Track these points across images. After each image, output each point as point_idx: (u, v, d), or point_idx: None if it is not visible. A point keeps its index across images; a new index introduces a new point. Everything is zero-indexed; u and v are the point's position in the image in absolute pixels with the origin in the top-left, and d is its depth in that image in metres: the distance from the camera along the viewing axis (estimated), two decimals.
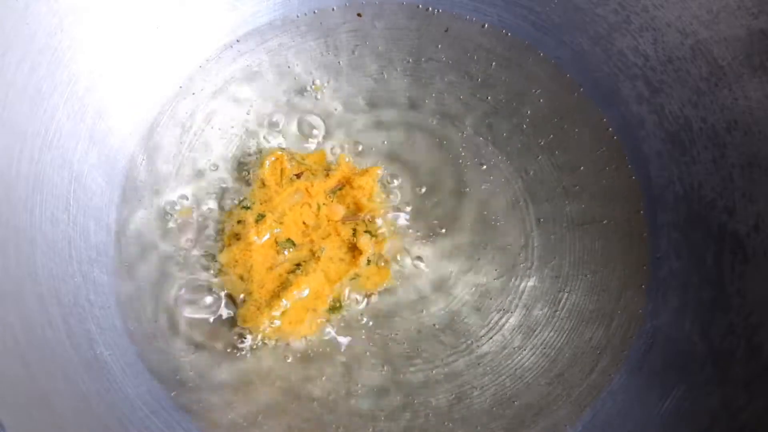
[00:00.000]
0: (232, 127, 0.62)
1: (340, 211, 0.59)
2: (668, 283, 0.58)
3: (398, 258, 0.59)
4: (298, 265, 0.57)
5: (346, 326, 0.57)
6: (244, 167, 0.61)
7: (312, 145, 0.62)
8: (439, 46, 0.65)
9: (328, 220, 0.59)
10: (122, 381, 0.54)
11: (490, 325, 0.58)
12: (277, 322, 0.56)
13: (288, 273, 0.57)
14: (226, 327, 0.57)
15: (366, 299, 0.58)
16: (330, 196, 0.59)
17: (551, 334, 0.58)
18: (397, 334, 0.57)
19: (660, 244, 0.60)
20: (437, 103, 0.63)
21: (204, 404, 0.55)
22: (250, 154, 0.61)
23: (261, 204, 0.59)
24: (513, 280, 0.59)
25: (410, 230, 0.60)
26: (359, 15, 0.62)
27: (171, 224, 0.59)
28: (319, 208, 0.59)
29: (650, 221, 0.60)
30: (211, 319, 0.57)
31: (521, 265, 0.59)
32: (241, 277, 0.57)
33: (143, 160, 0.61)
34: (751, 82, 0.54)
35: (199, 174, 0.61)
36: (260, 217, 0.58)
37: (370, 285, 0.58)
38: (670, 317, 0.57)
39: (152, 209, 0.60)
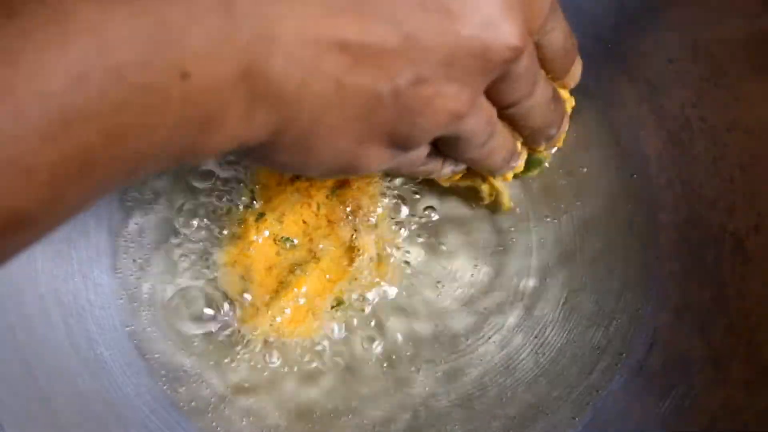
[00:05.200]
0: None
1: (340, 210, 0.59)
2: (668, 283, 0.58)
3: (398, 257, 0.59)
4: (298, 265, 0.57)
5: (345, 326, 0.57)
6: (243, 167, 0.61)
7: None
8: None
9: (328, 220, 0.59)
10: (122, 381, 0.54)
11: (490, 324, 0.58)
12: (277, 323, 0.55)
13: (288, 273, 0.57)
14: (225, 327, 0.57)
15: (366, 299, 0.58)
16: (330, 196, 0.59)
17: (551, 334, 0.58)
18: (396, 334, 0.57)
19: (660, 244, 0.59)
20: None
21: (203, 404, 0.55)
22: None
23: (261, 203, 0.59)
24: (513, 279, 0.59)
25: (411, 230, 0.60)
26: None
27: (170, 224, 0.59)
28: (319, 207, 0.59)
29: (650, 221, 0.60)
30: (211, 320, 0.57)
31: (521, 265, 0.59)
32: (241, 278, 0.57)
33: None
34: (751, 82, 0.54)
35: (199, 173, 0.61)
36: (260, 217, 0.58)
37: (370, 285, 0.58)
38: (670, 317, 0.57)
39: (152, 209, 0.60)
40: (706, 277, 0.56)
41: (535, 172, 0.57)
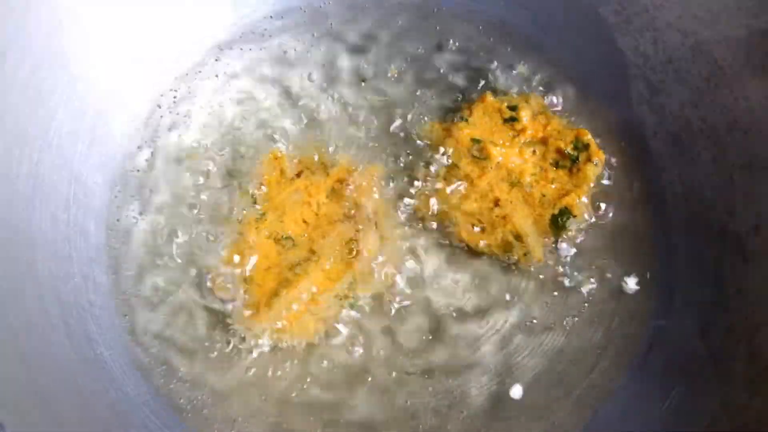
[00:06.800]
0: (233, 126, 0.62)
1: (340, 210, 0.59)
2: (669, 283, 0.58)
3: (399, 257, 0.59)
4: (298, 264, 0.57)
5: (345, 326, 0.57)
6: (243, 167, 0.61)
7: (317, 138, 0.62)
8: (441, 45, 0.65)
9: (329, 219, 0.59)
10: (122, 381, 0.54)
11: (490, 324, 0.58)
12: (277, 323, 0.55)
13: (288, 273, 0.57)
14: (225, 327, 0.57)
15: (366, 299, 0.58)
16: (330, 196, 0.59)
17: (551, 334, 0.58)
18: (397, 334, 0.57)
19: (660, 243, 0.60)
20: (440, 98, 0.63)
21: (203, 404, 0.55)
22: (250, 154, 0.61)
23: (261, 203, 0.59)
24: (513, 279, 0.59)
25: (411, 230, 0.60)
26: None
27: (170, 224, 0.59)
28: (319, 207, 0.59)
29: (651, 221, 0.60)
30: (211, 320, 0.57)
31: (522, 265, 0.59)
32: (241, 278, 0.57)
33: (143, 159, 0.61)
34: (751, 82, 0.55)
35: (200, 173, 0.61)
36: (260, 216, 0.58)
37: (370, 284, 0.58)
38: (671, 317, 0.57)
39: (152, 209, 0.60)
40: (707, 277, 0.56)
41: (570, 226, 0.59)
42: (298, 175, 0.60)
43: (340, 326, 0.57)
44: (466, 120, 0.61)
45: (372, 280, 0.58)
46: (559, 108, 0.63)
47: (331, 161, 0.61)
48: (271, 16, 0.66)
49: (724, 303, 0.54)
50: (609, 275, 0.59)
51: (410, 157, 0.62)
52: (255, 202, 0.59)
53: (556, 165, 0.60)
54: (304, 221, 0.58)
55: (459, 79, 0.64)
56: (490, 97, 0.62)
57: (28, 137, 0.52)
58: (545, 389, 0.57)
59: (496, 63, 0.65)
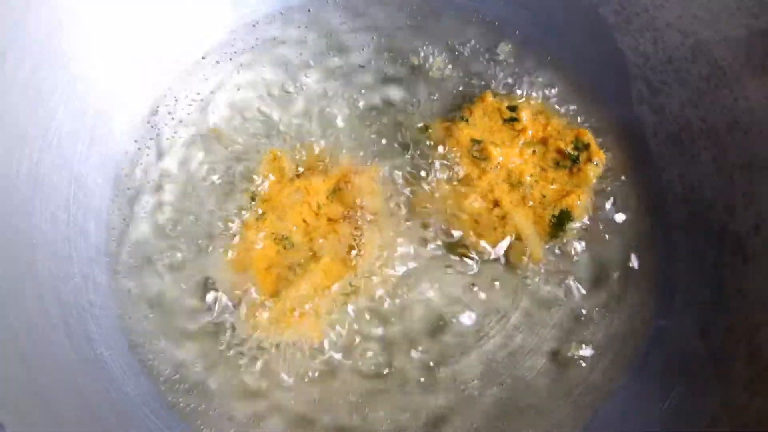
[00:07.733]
0: (233, 125, 0.63)
1: (340, 210, 0.59)
2: (669, 283, 0.58)
3: (398, 257, 0.59)
4: (299, 264, 0.57)
5: (346, 326, 0.57)
6: (243, 166, 0.61)
7: (317, 138, 0.62)
8: (440, 43, 0.65)
9: (329, 219, 0.59)
10: (122, 381, 0.54)
11: (491, 325, 0.58)
12: (277, 323, 0.55)
13: (288, 272, 0.57)
14: (225, 328, 0.57)
15: (367, 299, 0.58)
16: (330, 196, 0.59)
17: (551, 333, 0.58)
18: (397, 335, 0.57)
19: (661, 244, 0.60)
20: (440, 98, 0.63)
21: (203, 404, 0.55)
22: (250, 154, 0.61)
23: (261, 203, 0.59)
24: (513, 279, 0.59)
25: (411, 230, 0.60)
26: None
27: (170, 224, 0.59)
28: (319, 207, 0.59)
29: (651, 221, 0.60)
30: (211, 320, 0.57)
31: (522, 265, 0.59)
32: (240, 277, 0.57)
33: (143, 160, 0.61)
34: (751, 82, 0.55)
35: (200, 173, 0.61)
36: (260, 216, 0.58)
37: (371, 284, 0.58)
38: (671, 317, 0.57)
39: (152, 209, 0.60)
40: (707, 277, 0.56)
41: (571, 226, 0.59)
42: (298, 175, 0.60)
43: (339, 326, 0.57)
44: (466, 120, 0.61)
45: (372, 280, 0.58)
46: (559, 108, 0.63)
47: (331, 161, 0.61)
48: (271, 16, 0.66)
49: (724, 303, 0.54)
50: (609, 276, 0.59)
51: (410, 157, 0.62)
52: (255, 202, 0.59)
53: (557, 165, 0.60)
54: (304, 221, 0.59)
55: (459, 79, 0.64)
56: (490, 97, 0.62)
57: (28, 137, 0.52)
58: (545, 389, 0.57)
59: (495, 63, 0.65)
